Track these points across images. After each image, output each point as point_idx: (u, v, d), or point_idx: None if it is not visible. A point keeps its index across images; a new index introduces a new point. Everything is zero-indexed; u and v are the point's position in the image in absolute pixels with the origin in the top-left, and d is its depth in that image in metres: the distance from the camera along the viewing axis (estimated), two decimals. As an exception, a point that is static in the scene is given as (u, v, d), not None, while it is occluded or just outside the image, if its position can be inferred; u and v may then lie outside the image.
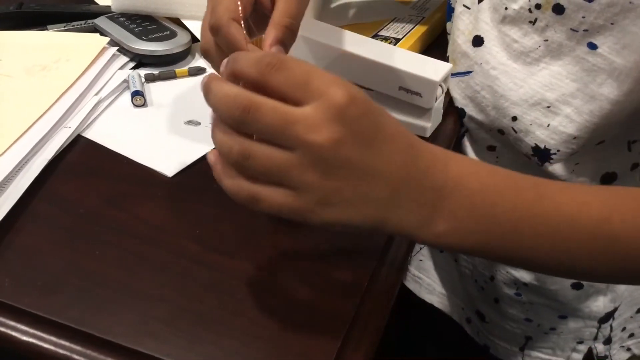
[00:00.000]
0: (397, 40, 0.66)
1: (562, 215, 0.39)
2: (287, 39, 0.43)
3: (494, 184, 0.39)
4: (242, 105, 0.35)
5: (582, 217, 0.39)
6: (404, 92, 0.55)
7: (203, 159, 0.53)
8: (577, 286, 0.65)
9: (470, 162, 0.42)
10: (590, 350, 0.71)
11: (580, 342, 0.71)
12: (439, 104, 0.57)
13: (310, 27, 0.57)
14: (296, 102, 0.35)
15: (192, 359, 0.37)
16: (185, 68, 0.64)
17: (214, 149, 0.38)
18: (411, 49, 0.65)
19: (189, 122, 0.57)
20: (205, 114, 0.58)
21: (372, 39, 0.58)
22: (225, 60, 0.38)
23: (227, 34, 0.42)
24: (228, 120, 0.36)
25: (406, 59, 0.55)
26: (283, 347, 0.38)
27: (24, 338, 0.38)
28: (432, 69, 0.54)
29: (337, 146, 0.34)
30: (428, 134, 0.57)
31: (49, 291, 0.41)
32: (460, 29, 0.60)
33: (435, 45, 0.70)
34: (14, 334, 0.39)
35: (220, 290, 0.41)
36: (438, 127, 0.59)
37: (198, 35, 0.65)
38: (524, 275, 0.66)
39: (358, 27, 0.67)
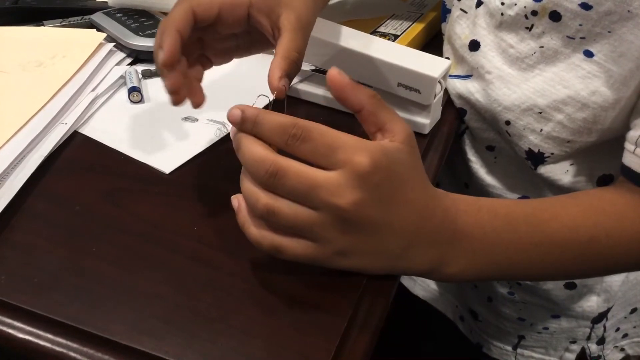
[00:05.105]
0: (396, 37, 0.66)
1: (553, 243, 0.45)
2: (292, 73, 0.44)
3: (493, 229, 0.44)
4: (269, 170, 0.37)
5: (572, 241, 0.46)
6: (402, 89, 0.55)
7: (200, 156, 0.52)
8: (570, 286, 0.66)
9: (475, 210, 0.44)
10: (583, 350, 0.71)
11: (573, 342, 0.71)
12: (437, 101, 0.56)
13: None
14: (321, 167, 0.37)
15: (189, 357, 0.37)
16: (183, 64, 0.63)
17: (239, 194, 0.41)
18: (410, 45, 0.65)
19: (187, 119, 0.57)
20: (202, 110, 0.57)
21: (371, 35, 0.58)
22: (236, 110, 0.39)
23: (161, 39, 0.43)
24: (256, 179, 0.38)
25: (405, 56, 0.55)
26: (281, 345, 0.38)
27: (20, 335, 0.38)
28: (431, 65, 0.54)
29: (357, 208, 0.37)
30: (427, 131, 0.57)
31: (45, 288, 0.40)
32: (457, 33, 0.60)
33: (434, 42, 0.70)
34: (10, 331, 0.38)
35: (218, 287, 0.41)
36: (437, 124, 0.59)
37: (195, 31, 0.65)
38: None
39: (356, 23, 0.66)
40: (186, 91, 0.46)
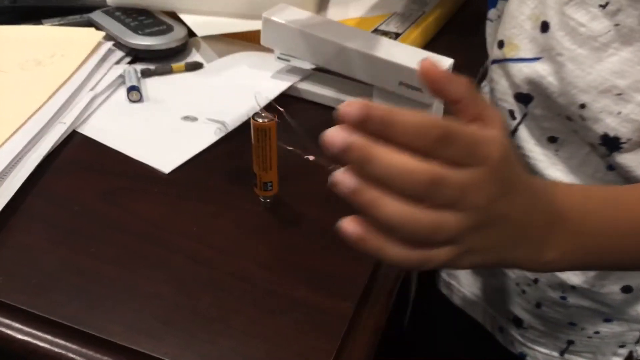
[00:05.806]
0: (397, 35, 0.66)
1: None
2: None
3: (586, 211, 0.43)
4: (426, 181, 0.34)
5: None
6: (404, 88, 0.54)
7: (200, 155, 0.52)
8: (626, 290, 0.64)
9: (569, 192, 0.44)
10: (630, 354, 0.70)
11: (622, 346, 0.69)
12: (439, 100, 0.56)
13: (310, 22, 0.56)
14: (460, 166, 0.35)
15: (188, 358, 0.37)
16: (182, 63, 0.63)
17: (350, 216, 0.36)
18: (412, 43, 0.65)
19: (186, 118, 0.56)
20: (202, 109, 0.57)
21: (372, 34, 0.57)
22: (355, 106, 0.33)
23: None
24: (410, 192, 0.35)
25: (406, 54, 0.54)
26: (281, 346, 0.37)
27: (19, 336, 0.38)
28: (432, 64, 0.54)
29: (491, 205, 0.37)
30: (428, 130, 0.56)
31: (44, 289, 0.40)
32: (525, 14, 0.57)
33: (436, 40, 0.70)
34: (8, 332, 0.38)
35: (218, 288, 0.41)
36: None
37: (194, 29, 0.64)
38: (572, 278, 0.64)
39: (358, 21, 0.66)
40: None
